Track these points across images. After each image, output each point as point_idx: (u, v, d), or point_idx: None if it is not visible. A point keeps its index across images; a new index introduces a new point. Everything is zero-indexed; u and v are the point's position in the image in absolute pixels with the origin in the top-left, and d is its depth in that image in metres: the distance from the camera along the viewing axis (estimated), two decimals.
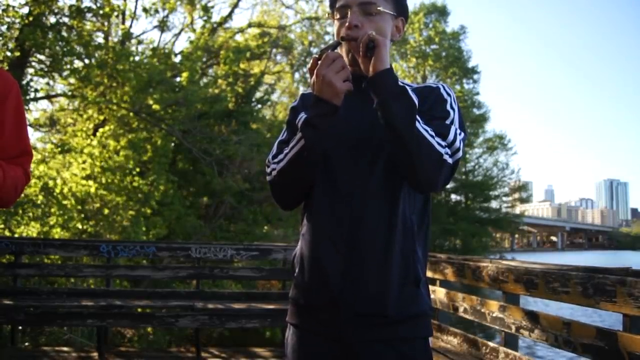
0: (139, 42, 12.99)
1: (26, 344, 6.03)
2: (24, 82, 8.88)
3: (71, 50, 8.82)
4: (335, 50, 1.44)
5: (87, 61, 9.57)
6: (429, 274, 4.25)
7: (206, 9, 13.14)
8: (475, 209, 30.81)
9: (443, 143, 1.39)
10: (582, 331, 2.69)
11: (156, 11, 12.34)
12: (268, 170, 1.55)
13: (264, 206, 12.97)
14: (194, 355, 4.59)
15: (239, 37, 15.89)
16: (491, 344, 3.52)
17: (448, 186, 26.10)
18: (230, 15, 15.35)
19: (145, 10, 12.03)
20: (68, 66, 9.07)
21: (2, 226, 8.24)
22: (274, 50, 17.06)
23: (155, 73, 10.21)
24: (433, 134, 1.38)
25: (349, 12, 1.48)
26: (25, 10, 8.50)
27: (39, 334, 6.51)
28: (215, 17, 14.61)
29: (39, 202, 8.73)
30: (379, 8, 1.48)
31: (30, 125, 10.81)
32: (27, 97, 8.90)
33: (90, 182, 9.55)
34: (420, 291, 1.46)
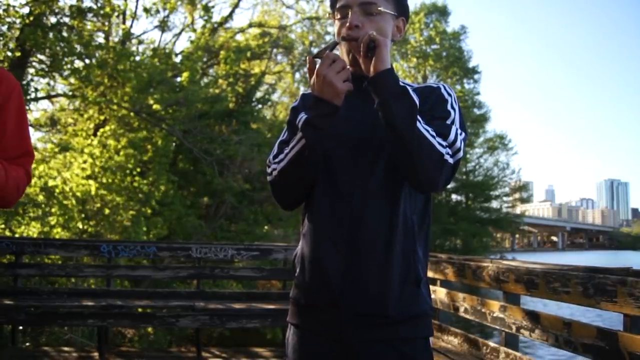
0: (140, 42, 13.01)
1: (27, 344, 6.04)
2: (25, 82, 8.88)
3: (71, 50, 8.82)
4: (334, 51, 1.44)
5: (87, 61, 9.58)
6: (430, 274, 4.25)
7: (207, 9, 13.15)
8: (475, 209, 30.80)
9: (444, 143, 1.39)
10: (583, 331, 2.69)
11: (157, 11, 12.36)
12: (269, 170, 1.55)
13: (265, 206, 12.97)
14: (194, 355, 4.59)
15: (239, 37, 15.90)
16: (492, 344, 3.52)
17: (449, 186, 26.01)
18: (230, 15, 15.36)
19: (145, 10, 12.05)
20: (68, 66, 9.07)
21: (2, 226, 8.25)
22: (275, 50, 17.07)
23: (156, 73, 10.22)
24: (434, 134, 1.37)
25: (350, 12, 1.48)
26: (26, 10, 8.50)
27: (39, 334, 6.52)
28: (216, 17, 14.65)
29: (39, 202, 8.73)
30: (379, 8, 1.48)
31: (31, 125, 10.80)
32: (28, 97, 8.91)
33: (91, 182, 9.55)
34: (421, 291, 1.46)
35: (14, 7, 8.37)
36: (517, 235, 68.03)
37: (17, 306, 4.23)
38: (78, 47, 9.08)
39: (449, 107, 1.49)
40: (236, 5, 15.24)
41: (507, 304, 3.36)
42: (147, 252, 5.07)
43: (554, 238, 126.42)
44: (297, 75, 18.70)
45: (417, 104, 1.36)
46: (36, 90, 9.39)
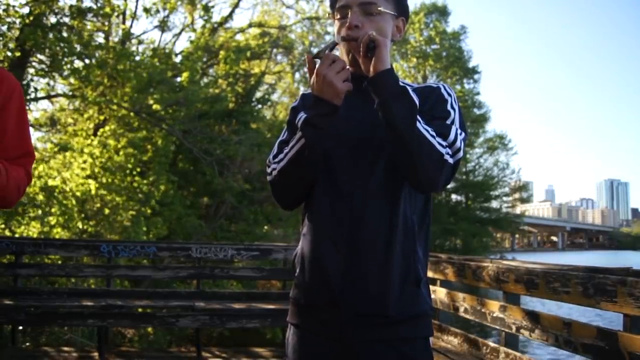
0: (140, 42, 13.01)
1: (27, 344, 6.04)
2: (25, 82, 8.88)
3: (71, 50, 8.82)
4: (333, 51, 1.44)
5: (87, 61, 9.57)
6: (430, 274, 4.25)
7: (207, 9, 13.14)
8: (475, 209, 30.81)
9: (444, 143, 1.39)
10: (583, 331, 2.69)
11: (157, 11, 12.36)
12: (268, 170, 1.55)
13: (265, 206, 12.97)
14: (194, 355, 4.59)
15: (239, 37, 15.90)
16: (492, 344, 3.52)
17: (449, 186, 26.03)
18: (230, 15, 15.36)
19: (145, 10, 12.04)
20: (68, 66, 9.07)
21: (2, 226, 8.25)
22: (275, 50, 17.06)
23: (156, 73, 10.22)
24: (434, 134, 1.38)
25: (350, 12, 1.48)
26: (26, 10, 8.50)
27: (39, 334, 6.52)
28: (216, 17, 14.65)
29: (39, 201, 8.73)
30: (379, 8, 1.48)
31: (31, 125, 10.79)
32: (28, 97, 8.90)
33: (90, 181, 9.55)
34: (421, 291, 1.46)
35: (13, 7, 8.37)
36: (517, 235, 68.04)
37: (17, 306, 4.23)
38: (78, 47, 9.08)
39: (448, 107, 1.49)
40: (236, 5, 15.25)
41: (507, 304, 3.36)
42: (147, 252, 5.07)
43: (554, 238, 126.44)
44: (297, 75, 18.71)
45: (417, 104, 1.36)
46: (36, 90, 9.39)
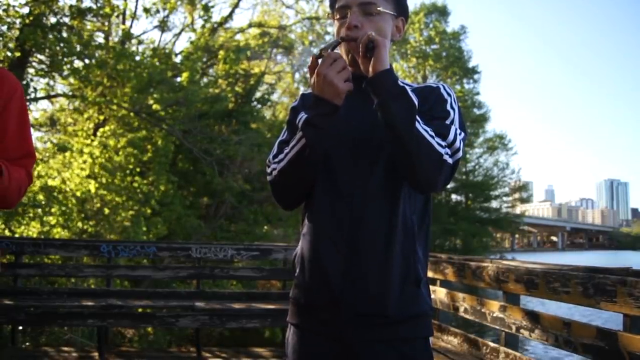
0: (140, 42, 13.00)
1: (27, 344, 6.04)
2: (24, 82, 8.88)
3: (71, 50, 8.82)
4: (335, 50, 1.44)
5: (87, 61, 9.57)
6: (430, 274, 4.25)
7: (206, 9, 13.12)
8: (475, 209, 30.80)
9: (443, 143, 1.39)
10: (583, 331, 2.69)
11: (157, 11, 12.35)
12: (269, 170, 1.55)
13: (265, 206, 12.97)
14: (194, 355, 4.59)
15: (239, 37, 15.89)
16: (491, 344, 3.52)
17: (448, 186, 26.07)
18: (230, 15, 15.35)
19: (145, 10, 12.04)
20: (68, 66, 9.07)
21: (2, 226, 8.25)
22: (275, 50, 17.06)
23: (156, 73, 10.21)
24: (433, 134, 1.38)
25: (349, 13, 1.48)
26: (26, 10, 8.50)
27: (39, 334, 6.52)
28: (216, 17, 14.63)
29: (39, 202, 8.73)
30: (379, 8, 1.48)
31: (31, 125, 10.79)
32: (27, 97, 8.90)
33: (90, 181, 9.55)
34: (420, 291, 1.46)
35: (13, 7, 8.37)
36: (517, 235, 68.03)
37: (17, 306, 4.23)
38: (78, 47, 9.08)
39: (448, 107, 1.49)
40: (236, 5, 15.24)
41: (507, 304, 3.36)
42: (147, 252, 5.08)
43: (554, 238, 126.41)
44: (297, 76, 18.72)
45: (416, 104, 1.36)
46: (35, 90, 9.39)
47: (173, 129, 10.73)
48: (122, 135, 10.47)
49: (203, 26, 13.54)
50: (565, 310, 10.00)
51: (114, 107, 10.14)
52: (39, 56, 9.28)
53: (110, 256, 4.94)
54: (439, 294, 4.24)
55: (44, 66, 9.36)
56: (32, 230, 8.67)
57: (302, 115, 1.43)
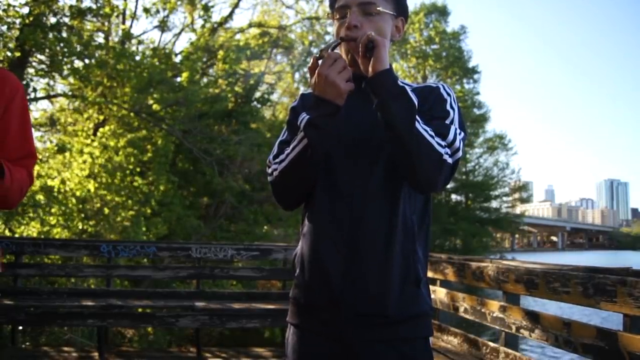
0: (140, 42, 12.99)
1: (27, 344, 6.04)
2: (24, 82, 8.88)
3: (71, 50, 8.82)
4: (335, 50, 1.44)
5: (87, 61, 9.57)
6: (430, 274, 4.25)
7: (206, 8, 13.12)
8: (475, 209, 30.80)
9: (443, 143, 1.39)
10: (583, 331, 2.69)
11: (157, 11, 12.35)
12: (269, 170, 1.54)
13: (265, 206, 12.97)
14: (194, 355, 4.59)
15: (239, 37, 15.89)
16: (491, 344, 3.52)
17: (448, 186, 26.08)
18: (230, 15, 15.36)
19: (145, 10, 12.05)
20: (68, 66, 9.07)
21: (2, 226, 8.25)
22: (275, 50, 17.06)
23: (156, 73, 10.21)
24: (433, 134, 1.37)
25: (349, 13, 1.48)
26: (26, 10, 8.50)
27: (39, 334, 6.52)
28: (216, 17, 14.63)
29: (39, 202, 8.72)
30: (378, 8, 1.48)
31: (32, 125, 10.78)
32: (27, 97, 8.88)
33: (90, 180, 9.55)
34: (420, 291, 1.46)
35: (13, 7, 8.37)
36: (517, 235, 68.03)
37: (17, 306, 4.23)
38: (78, 47, 9.08)
39: (448, 106, 1.49)
40: (236, 5, 15.24)
41: (507, 304, 3.36)
42: (146, 252, 5.08)
43: (554, 238, 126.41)
44: (297, 76, 18.72)
45: (416, 104, 1.36)
46: (35, 90, 9.39)
47: (173, 129, 10.73)
48: (122, 135, 10.46)
49: (203, 26, 13.55)
50: (561, 309, 10.01)
51: (114, 107, 10.14)
52: (38, 56, 9.28)
53: (110, 256, 4.94)
54: (439, 294, 4.24)
55: (44, 66, 9.36)
56: (32, 230, 8.67)
57: (304, 116, 1.42)
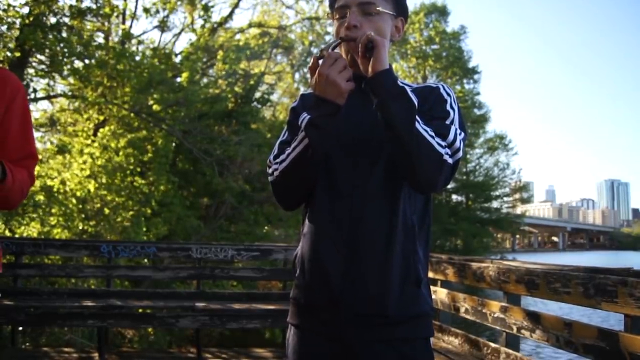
0: (140, 42, 12.99)
1: (27, 344, 6.04)
2: (24, 83, 8.88)
3: (71, 50, 8.82)
4: (335, 50, 1.44)
5: (87, 61, 9.57)
6: (430, 274, 4.25)
7: (206, 9, 13.11)
8: (476, 209, 30.79)
9: (443, 143, 1.38)
10: (584, 332, 2.69)
11: (157, 11, 12.34)
12: (270, 170, 1.54)
13: (265, 206, 12.96)
14: (194, 356, 4.59)
15: (239, 37, 15.89)
16: (492, 344, 3.51)
17: (449, 186, 26.10)
18: (230, 15, 15.36)
19: (145, 10, 12.03)
20: (68, 66, 9.06)
21: (2, 226, 8.24)
22: (275, 50, 17.06)
23: (156, 73, 10.21)
24: (433, 134, 1.37)
25: (348, 12, 1.48)
26: (26, 10, 8.49)
27: (39, 334, 6.52)
28: (216, 17, 14.63)
29: (39, 202, 8.72)
30: (378, 8, 1.48)
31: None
32: (28, 98, 8.88)
33: (90, 180, 9.54)
34: (421, 291, 1.46)
35: (13, 7, 8.36)
36: (517, 236, 67.95)
37: (17, 307, 4.23)
38: (78, 47, 9.07)
39: (448, 107, 1.48)
40: (236, 5, 15.24)
41: (508, 304, 3.35)
42: (147, 252, 5.07)
43: (555, 238, 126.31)
44: (297, 76, 18.72)
45: (416, 104, 1.35)
46: (35, 90, 9.39)
47: (173, 129, 10.72)
48: (122, 135, 10.46)
49: (203, 26, 13.54)
50: (561, 309, 10.00)
51: (114, 107, 10.13)
52: (38, 56, 9.27)
53: (111, 256, 4.93)
54: (439, 294, 4.24)
55: (43, 66, 9.36)
56: (32, 230, 8.67)
57: (305, 116, 1.42)
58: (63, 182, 9.39)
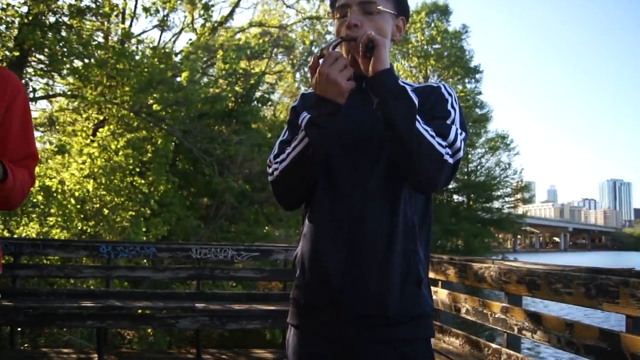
0: (139, 42, 12.97)
1: (25, 345, 6.04)
2: (23, 82, 8.86)
3: (71, 49, 8.81)
4: (336, 49, 1.43)
5: (86, 61, 9.56)
6: (431, 274, 4.23)
7: (206, 8, 13.09)
8: (477, 209, 30.83)
9: (443, 143, 1.38)
10: (585, 332, 2.68)
11: (156, 10, 12.31)
12: (270, 170, 1.54)
13: (265, 206, 12.96)
14: (194, 357, 4.58)
15: (239, 37, 15.88)
16: (493, 345, 3.50)
17: (450, 186, 26.18)
18: (231, 14, 15.36)
19: (145, 9, 12.00)
20: (67, 66, 9.06)
21: (1, 227, 8.23)
22: (275, 49, 17.06)
23: (156, 73, 10.19)
24: (433, 134, 1.37)
25: (349, 12, 1.47)
26: (25, 9, 8.49)
27: (38, 335, 6.52)
28: (216, 17, 14.62)
29: (38, 202, 8.71)
30: (379, 7, 1.48)
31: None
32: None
33: (89, 180, 9.53)
34: (421, 292, 1.45)
35: (12, 6, 8.36)
36: (519, 236, 68.07)
37: (15, 307, 4.22)
38: (77, 47, 9.06)
39: (449, 106, 1.48)
40: (236, 5, 15.24)
41: (509, 305, 3.34)
42: (146, 252, 5.06)
43: (556, 239, 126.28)
44: (298, 75, 18.72)
45: (417, 103, 1.35)
46: (34, 90, 9.38)
47: (173, 129, 10.72)
48: (122, 135, 10.45)
49: (203, 25, 13.53)
50: (562, 309, 9.99)
51: (114, 107, 10.12)
52: (37, 56, 9.27)
53: (110, 257, 4.92)
54: (440, 295, 4.23)
55: (43, 66, 9.36)
56: (31, 230, 8.66)
57: (305, 115, 1.42)
58: (62, 182, 9.38)
